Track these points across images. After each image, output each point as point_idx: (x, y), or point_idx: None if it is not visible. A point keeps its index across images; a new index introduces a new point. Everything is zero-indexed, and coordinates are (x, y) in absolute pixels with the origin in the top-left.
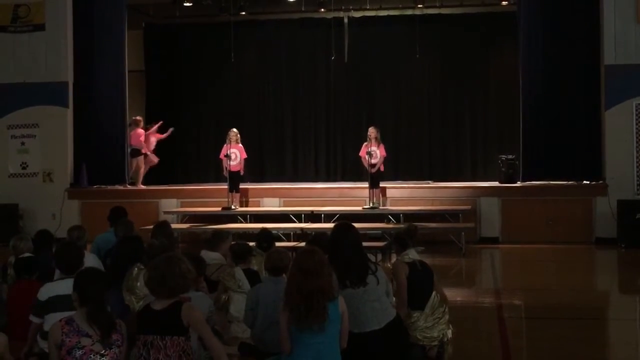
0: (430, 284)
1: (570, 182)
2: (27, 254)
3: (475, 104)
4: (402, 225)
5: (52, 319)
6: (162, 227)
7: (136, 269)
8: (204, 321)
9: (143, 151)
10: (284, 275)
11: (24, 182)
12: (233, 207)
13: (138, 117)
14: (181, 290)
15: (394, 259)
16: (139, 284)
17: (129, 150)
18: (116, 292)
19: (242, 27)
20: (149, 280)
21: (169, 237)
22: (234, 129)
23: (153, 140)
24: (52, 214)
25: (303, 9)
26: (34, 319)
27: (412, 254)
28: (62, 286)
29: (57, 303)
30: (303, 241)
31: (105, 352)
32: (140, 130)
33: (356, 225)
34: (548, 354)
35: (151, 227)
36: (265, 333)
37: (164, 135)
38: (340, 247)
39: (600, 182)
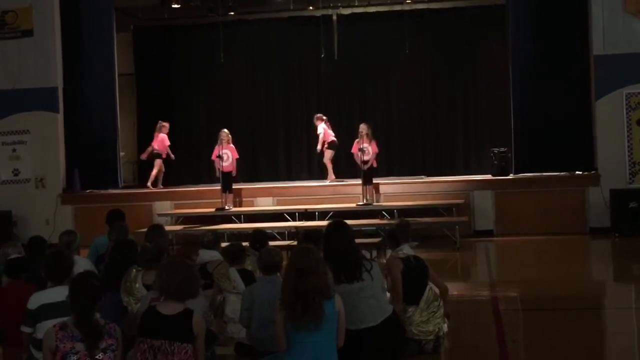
0: (424, 278)
1: (562, 173)
2: (14, 255)
3: (466, 98)
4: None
5: (44, 327)
6: (156, 229)
7: (134, 270)
8: (204, 334)
9: (164, 155)
10: (278, 274)
11: (17, 189)
12: (227, 207)
13: (164, 123)
14: (189, 295)
15: (389, 254)
16: (137, 285)
17: (150, 152)
18: (113, 294)
19: (231, 27)
20: (158, 278)
21: (164, 239)
22: (225, 130)
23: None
24: (45, 220)
25: (291, 8)
26: (24, 328)
27: (406, 249)
28: (52, 294)
29: (48, 311)
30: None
31: (99, 357)
32: (163, 135)
33: (350, 222)
34: (544, 346)
35: (145, 229)
36: (261, 332)
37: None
38: (334, 245)
39: (593, 172)
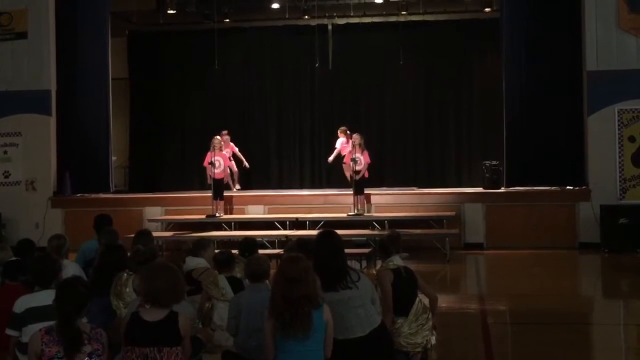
0: (414, 290)
1: (553, 188)
2: (13, 258)
3: (459, 110)
4: (386, 232)
5: (30, 331)
6: (143, 235)
7: (125, 274)
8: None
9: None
10: (267, 282)
11: (7, 191)
12: (217, 214)
13: (224, 132)
14: (173, 301)
15: (379, 265)
16: (127, 289)
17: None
18: (102, 299)
19: (226, 34)
20: (142, 283)
21: (150, 245)
22: (218, 137)
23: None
24: (35, 223)
25: (287, 16)
26: (10, 332)
27: (397, 261)
28: (39, 298)
29: (34, 315)
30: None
31: None
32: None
33: (341, 232)
34: None
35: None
36: (248, 341)
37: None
38: (322, 253)
39: (584, 187)
